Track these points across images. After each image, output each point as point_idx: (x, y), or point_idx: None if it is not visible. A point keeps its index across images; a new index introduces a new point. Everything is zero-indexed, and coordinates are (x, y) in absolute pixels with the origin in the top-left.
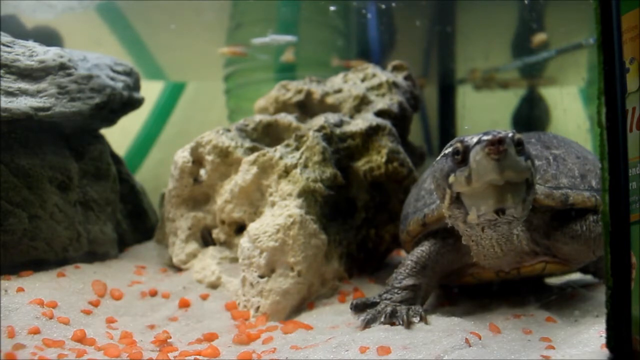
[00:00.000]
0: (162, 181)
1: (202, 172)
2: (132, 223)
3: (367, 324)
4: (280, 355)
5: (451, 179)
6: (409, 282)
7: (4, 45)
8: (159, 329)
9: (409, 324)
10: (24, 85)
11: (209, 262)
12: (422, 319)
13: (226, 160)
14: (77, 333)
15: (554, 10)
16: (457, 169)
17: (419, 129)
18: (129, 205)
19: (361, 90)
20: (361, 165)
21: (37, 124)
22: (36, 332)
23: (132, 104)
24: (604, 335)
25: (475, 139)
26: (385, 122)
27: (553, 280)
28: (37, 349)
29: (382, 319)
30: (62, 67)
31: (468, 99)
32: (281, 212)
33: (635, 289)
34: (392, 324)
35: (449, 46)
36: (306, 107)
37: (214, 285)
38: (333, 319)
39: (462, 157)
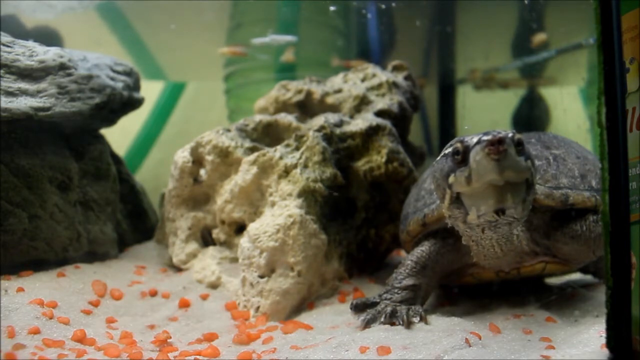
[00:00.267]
0: (162, 181)
1: (202, 172)
2: (132, 223)
3: (367, 324)
4: (280, 355)
5: (451, 179)
6: (409, 282)
7: (4, 45)
8: (159, 329)
9: (409, 324)
10: (24, 85)
11: (209, 262)
12: (422, 319)
13: (226, 160)
14: (77, 333)
15: (554, 10)
16: (457, 169)
17: (419, 129)
18: (129, 205)
19: (361, 90)
20: (361, 165)
21: (37, 124)
22: (36, 332)
23: (132, 104)
24: (604, 335)
25: (475, 139)
26: (385, 122)
27: (553, 280)
28: (37, 349)
29: (382, 319)
30: (62, 67)
31: (468, 99)
32: (281, 212)
33: (635, 289)
34: (392, 324)
35: (449, 46)
36: (306, 107)
37: (214, 285)
38: (333, 319)
39: (462, 157)
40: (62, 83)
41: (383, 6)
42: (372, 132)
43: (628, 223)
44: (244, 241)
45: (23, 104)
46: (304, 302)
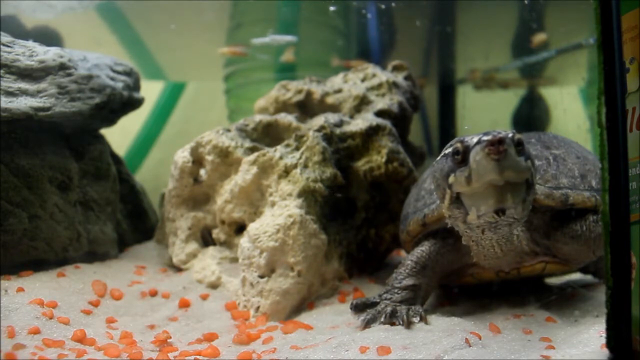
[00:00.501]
0: (162, 181)
1: (202, 172)
2: (132, 223)
3: (367, 324)
4: (280, 355)
5: (451, 179)
6: (409, 282)
7: (4, 45)
8: (159, 329)
9: (409, 324)
10: (24, 85)
11: (209, 262)
12: (422, 319)
13: (226, 160)
14: (77, 333)
15: (554, 10)
16: (457, 169)
17: (419, 129)
18: (129, 205)
19: (361, 90)
20: (361, 165)
21: (37, 124)
22: (36, 332)
23: (132, 104)
24: (604, 335)
25: (475, 139)
26: (385, 122)
27: (553, 280)
28: (37, 349)
29: (382, 319)
30: (62, 67)
31: (468, 99)
32: (281, 212)
33: (635, 289)
34: (392, 324)
35: (449, 46)
36: (306, 107)
37: (214, 285)
38: (333, 319)
39: (462, 157)
40: (62, 83)
41: (383, 6)
42: (372, 132)
43: (628, 223)
44: (244, 241)
45: (23, 104)
46: (304, 302)
